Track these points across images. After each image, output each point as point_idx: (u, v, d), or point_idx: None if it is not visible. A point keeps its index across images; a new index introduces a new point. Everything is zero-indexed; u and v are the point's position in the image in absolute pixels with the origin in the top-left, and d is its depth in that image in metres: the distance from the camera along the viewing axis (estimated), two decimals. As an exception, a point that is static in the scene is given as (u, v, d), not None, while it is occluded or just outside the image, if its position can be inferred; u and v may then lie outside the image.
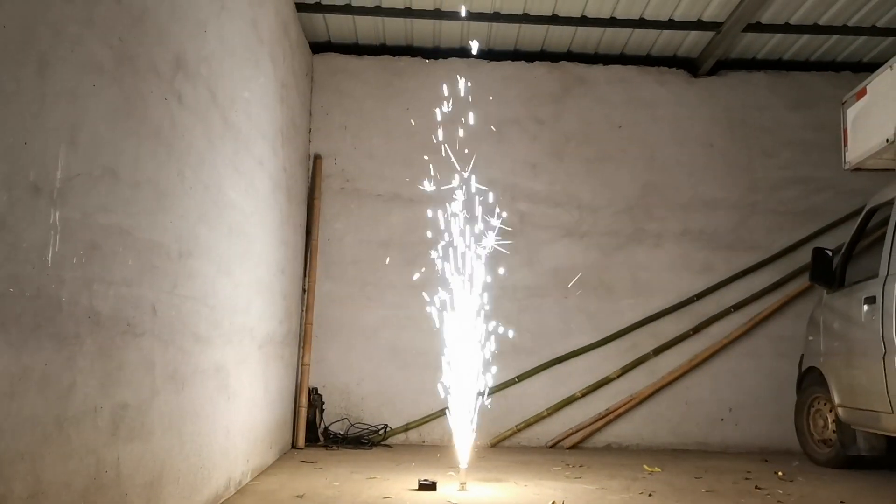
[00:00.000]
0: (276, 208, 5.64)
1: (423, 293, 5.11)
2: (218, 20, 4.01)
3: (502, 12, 6.73)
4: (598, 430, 7.02)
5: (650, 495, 4.55)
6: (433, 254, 5.10)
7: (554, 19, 6.81)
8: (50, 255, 2.30)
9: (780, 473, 5.51)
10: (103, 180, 2.65)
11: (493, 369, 5.14)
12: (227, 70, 4.19)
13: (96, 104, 2.60)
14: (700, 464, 6.01)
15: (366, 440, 6.76)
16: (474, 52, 6.98)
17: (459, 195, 5.06)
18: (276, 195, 5.60)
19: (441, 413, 6.70)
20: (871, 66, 6.78)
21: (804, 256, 7.01)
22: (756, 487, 4.90)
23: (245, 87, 4.60)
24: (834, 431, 5.82)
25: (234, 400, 4.42)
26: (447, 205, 5.07)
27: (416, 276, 6.73)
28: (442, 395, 4.98)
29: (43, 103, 2.27)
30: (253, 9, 4.81)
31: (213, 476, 3.95)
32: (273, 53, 5.45)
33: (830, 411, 5.84)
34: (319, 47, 7.45)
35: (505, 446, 6.94)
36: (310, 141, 7.29)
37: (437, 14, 6.74)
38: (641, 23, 6.85)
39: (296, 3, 6.47)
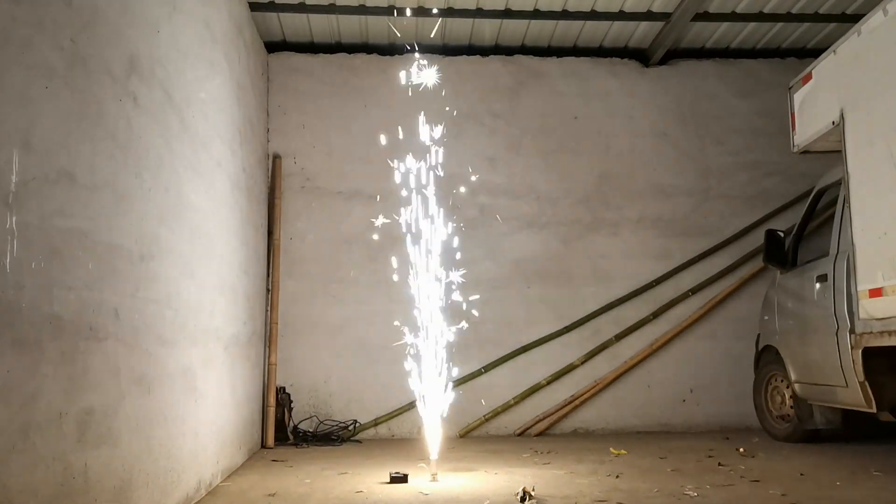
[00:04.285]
0: (237, 209, 5.61)
1: (387, 288, 5.14)
2: (170, 21, 3.98)
3: (456, 7, 6.76)
4: (565, 416, 7.13)
5: (617, 477, 4.65)
6: (398, 250, 5.14)
7: (507, 13, 6.88)
8: (8, 260, 2.28)
9: (741, 450, 5.67)
10: (60, 184, 2.63)
11: (460, 361, 5.19)
12: (182, 71, 4.16)
13: (49, 107, 2.57)
14: (664, 444, 6.14)
15: (335, 437, 6.76)
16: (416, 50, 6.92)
17: (420, 189, 5.09)
18: (235, 196, 5.57)
19: (409, 406, 6.75)
20: (815, 52, 6.97)
21: (757, 239, 7.21)
22: (719, 465, 5.04)
23: (201, 88, 4.56)
24: (791, 407, 6.00)
25: (202, 402, 4.40)
26: (406, 200, 5.11)
27: (377, 272, 6.74)
28: (410, 388, 5.01)
29: (-6, 107, 2.24)
30: (205, 9, 4.77)
31: (184, 478, 3.93)
32: (228, 53, 5.42)
33: (787, 388, 6.01)
34: (274, 47, 7.41)
35: (474, 436, 7.01)
36: (268, 141, 7.25)
37: (391, 11, 6.75)
38: (593, 15, 6.95)
39: (249, 3, 6.42)
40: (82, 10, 2.86)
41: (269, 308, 6.83)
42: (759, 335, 6.54)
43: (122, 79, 3.24)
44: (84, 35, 2.86)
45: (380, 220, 6.45)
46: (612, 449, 5.84)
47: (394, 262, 5.16)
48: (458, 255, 5.32)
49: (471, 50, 7.59)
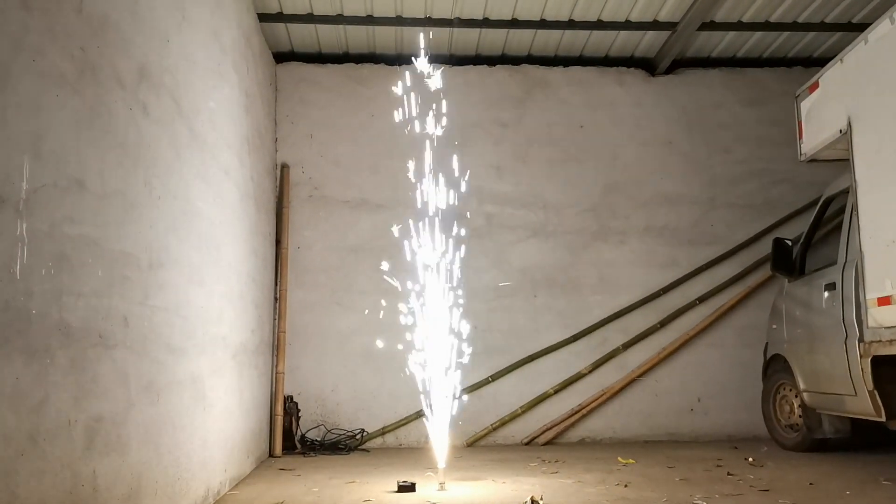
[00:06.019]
0: (245, 217, 5.63)
1: (394, 297, 5.15)
2: (180, 31, 4.01)
3: (462, 17, 6.79)
4: (572, 425, 7.10)
5: (626, 486, 4.63)
6: (405, 256, 5.14)
7: (513, 23, 6.90)
8: (18, 267, 2.29)
9: (750, 459, 5.64)
10: (70, 191, 2.64)
11: (467, 370, 5.19)
12: (191, 80, 4.19)
13: (60, 115, 2.59)
14: (672, 453, 6.11)
15: (343, 446, 6.75)
16: (421, 64, 6.67)
17: (428, 197, 5.10)
18: (244, 204, 5.59)
19: (417, 415, 6.74)
20: (822, 61, 6.97)
21: (764, 247, 7.19)
22: (728, 474, 5.01)
23: (209, 97, 4.59)
24: (800, 416, 5.97)
25: (210, 410, 4.41)
26: (412, 208, 5.12)
27: (384, 281, 6.74)
28: (417, 397, 5.01)
29: (5, 114, 2.25)
30: (215, 20, 4.80)
31: (192, 487, 3.93)
32: (236, 63, 5.45)
33: (796, 397, 5.98)
34: (282, 57, 7.45)
35: (481, 445, 6.98)
36: (276, 150, 7.28)
37: (399, 21, 6.78)
38: (599, 24, 6.96)
39: (258, 14, 6.47)
40: (92, 19, 2.89)
41: (276, 317, 6.84)
42: (767, 344, 6.51)
43: (132, 87, 3.26)
44: (94, 44, 2.89)
45: (386, 229, 6.47)
46: (620, 458, 5.82)
47: (399, 268, 5.16)
48: (465, 264, 5.31)
49: (477, 59, 7.61)
